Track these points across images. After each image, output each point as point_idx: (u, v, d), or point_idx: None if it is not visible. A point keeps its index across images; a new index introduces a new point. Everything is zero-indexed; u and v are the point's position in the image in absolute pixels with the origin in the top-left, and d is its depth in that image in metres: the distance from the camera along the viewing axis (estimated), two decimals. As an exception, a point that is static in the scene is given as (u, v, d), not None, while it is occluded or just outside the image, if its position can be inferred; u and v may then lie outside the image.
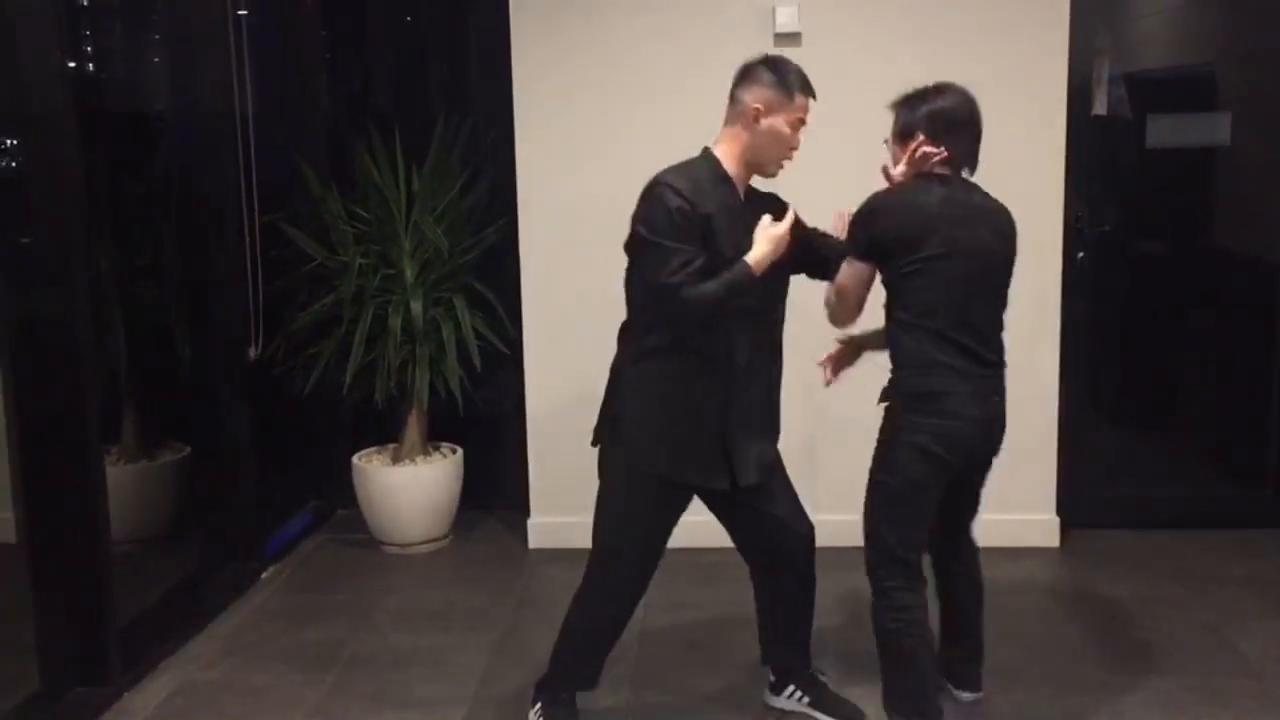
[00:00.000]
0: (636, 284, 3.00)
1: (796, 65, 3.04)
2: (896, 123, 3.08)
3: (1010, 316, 4.41)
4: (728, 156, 2.99)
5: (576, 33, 4.35)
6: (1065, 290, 4.40)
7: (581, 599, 3.14)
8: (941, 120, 3.01)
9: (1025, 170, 4.32)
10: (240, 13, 4.26)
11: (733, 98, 3.01)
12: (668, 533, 3.07)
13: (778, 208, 3.06)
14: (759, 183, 3.11)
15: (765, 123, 2.95)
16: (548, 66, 4.36)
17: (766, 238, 2.92)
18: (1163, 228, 4.81)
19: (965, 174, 3.08)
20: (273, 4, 4.73)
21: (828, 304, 3.13)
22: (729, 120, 3.01)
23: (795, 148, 3.03)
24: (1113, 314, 4.75)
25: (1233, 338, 4.80)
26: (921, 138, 3.00)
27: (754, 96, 2.96)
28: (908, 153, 3.01)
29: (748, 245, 2.89)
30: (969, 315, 2.94)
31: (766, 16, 4.30)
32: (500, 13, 4.37)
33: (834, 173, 4.36)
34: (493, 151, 4.64)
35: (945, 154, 3.00)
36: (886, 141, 3.12)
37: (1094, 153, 4.57)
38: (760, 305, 3.00)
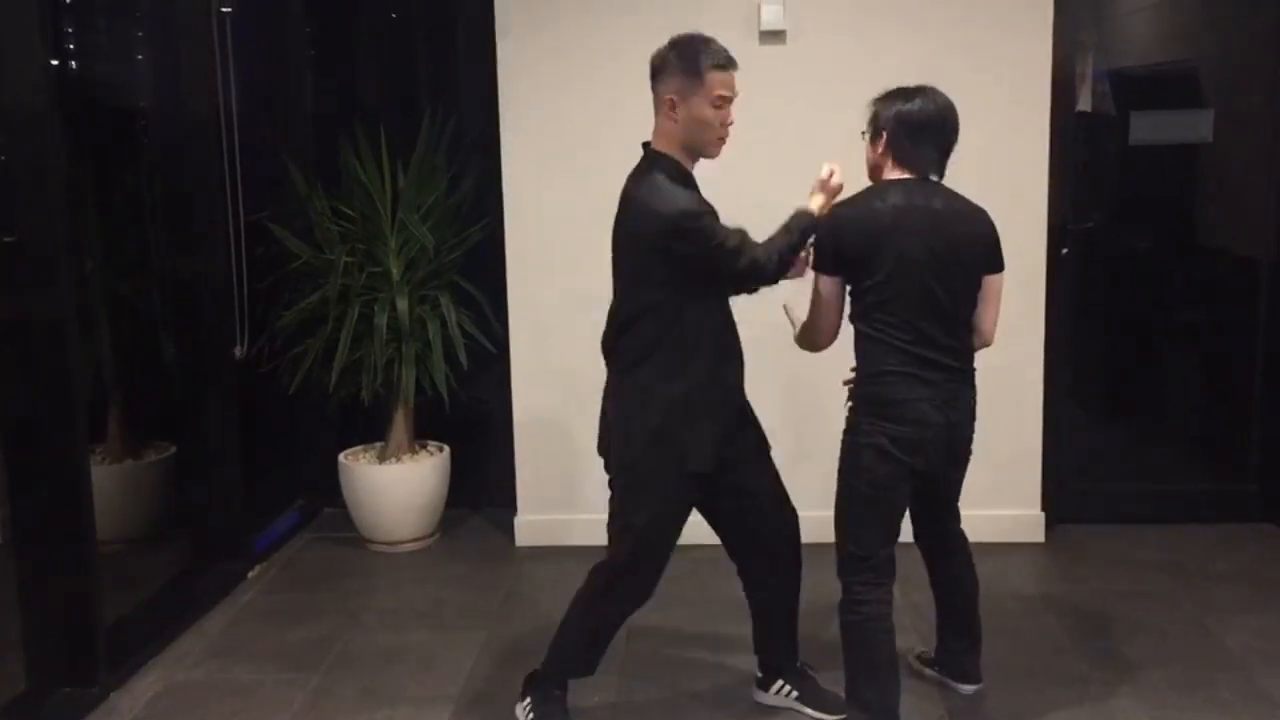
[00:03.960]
0: (628, 298, 3.01)
1: (708, 39, 2.96)
2: (872, 119, 3.10)
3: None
4: (671, 150, 2.97)
5: (561, 30, 4.35)
6: (1049, 286, 4.42)
7: (593, 599, 3.13)
8: (907, 124, 3.02)
9: (1009, 167, 4.34)
10: (224, 9, 4.24)
11: (653, 90, 2.98)
12: (682, 525, 3.11)
13: None
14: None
15: (683, 111, 2.91)
16: (533, 64, 4.36)
17: (828, 189, 3.05)
18: (1146, 224, 4.84)
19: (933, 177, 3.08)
20: (257, 1, 4.72)
21: (799, 326, 3.14)
22: (655, 113, 2.99)
23: (725, 124, 2.96)
24: (1097, 310, 4.77)
25: (1216, 333, 4.83)
26: (880, 148, 3.06)
27: (666, 87, 2.94)
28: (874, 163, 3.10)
29: None
30: (927, 326, 2.95)
31: (752, 14, 4.31)
32: (485, 10, 4.37)
33: (818, 164, 4.38)
34: (478, 149, 4.64)
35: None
36: (863, 134, 3.13)
37: (1078, 149, 4.59)
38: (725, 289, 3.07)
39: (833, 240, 2.99)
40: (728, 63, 2.95)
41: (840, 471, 3.07)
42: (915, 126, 3.01)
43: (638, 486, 3.01)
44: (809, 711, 3.31)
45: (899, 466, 2.97)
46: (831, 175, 3.10)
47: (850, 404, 3.08)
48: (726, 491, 3.13)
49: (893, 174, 3.05)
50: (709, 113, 2.91)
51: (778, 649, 3.37)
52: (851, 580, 3.05)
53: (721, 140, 2.99)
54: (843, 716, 3.17)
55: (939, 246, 2.93)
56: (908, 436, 2.95)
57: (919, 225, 2.94)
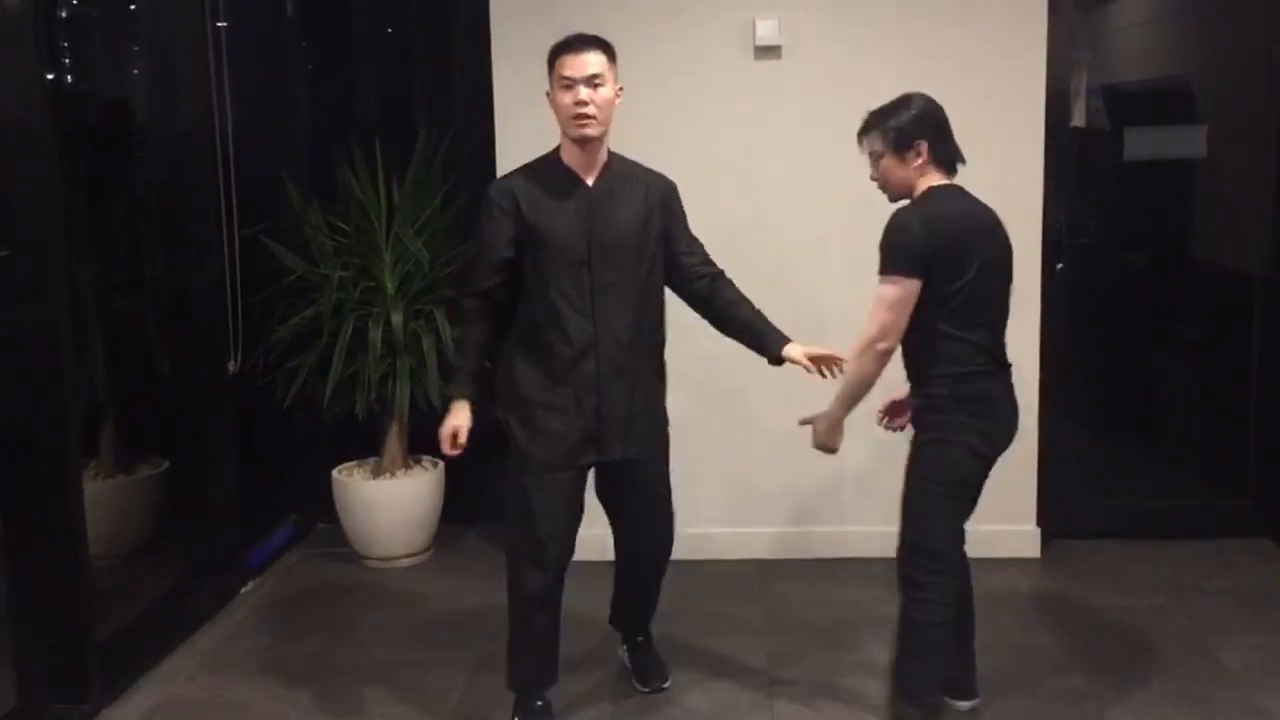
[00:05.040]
0: (658, 288, 3.25)
1: (573, 33, 3.14)
2: (884, 136, 3.09)
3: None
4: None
5: (558, 45, 4.35)
6: (1044, 302, 4.42)
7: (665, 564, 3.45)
8: (937, 124, 3.09)
9: (1004, 182, 4.32)
10: (219, 24, 4.25)
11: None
12: None
13: (640, 189, 3.20)
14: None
15: (552, 99, 3.13)
16: (529, 80, 4.33)
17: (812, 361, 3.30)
18: (1141, 239, 4.85)
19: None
20: (253, 15, 4.72)
21: (871, 337, 3.03)
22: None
23: (574, 104, 3.05)
24: (1092, 325, 4.78)
25: (1211, 348, 4.83)
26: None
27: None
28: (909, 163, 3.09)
29: (559, 221, 3.10)
30: (997, 327, 3.07)
31: (747, 30, 4.32)
32: (481, 25, 4.37)
33: (814, 182, 4.40)
34: (474, 164, 4.64)
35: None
36: (877, 155, 3.12)
37: (1073, 164, 4.60)
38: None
39: (921, 243, 2.96)
40: (569, 48, 3.10)
41: (919, 471, 3.09)
42: (942, 124, 3.09)
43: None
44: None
45: (984, 465, 3.05)
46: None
47: (918, 406, 3.08)
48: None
49: (932, 180, 3.07)
50: (561, 97, 3.08)
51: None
52: (929, 579, 3.06)
53: (577, 123, 3.07)
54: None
55: (998, 249, 3.05)
56: (995, 434, 3.04)
57: (986, 228, 3.03)
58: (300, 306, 4.54)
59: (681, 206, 3.30)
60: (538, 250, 3.11)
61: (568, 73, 3.05)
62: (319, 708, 3.49)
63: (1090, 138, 4.69)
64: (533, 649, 3.27)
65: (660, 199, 3.22)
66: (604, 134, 3.13)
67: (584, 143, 3.10)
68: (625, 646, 3.65)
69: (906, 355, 3.12)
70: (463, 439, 3.17)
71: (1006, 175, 4.34)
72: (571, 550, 3.24)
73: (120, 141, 4.67)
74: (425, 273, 4.52)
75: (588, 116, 3.04)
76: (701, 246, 3.35)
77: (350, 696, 3.56)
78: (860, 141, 3.17)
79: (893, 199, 3.16)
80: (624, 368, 3.15)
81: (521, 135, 4.35)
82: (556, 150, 3.19)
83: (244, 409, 4.45)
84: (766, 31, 4.30)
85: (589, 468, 3.24)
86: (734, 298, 3.31)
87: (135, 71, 4.69)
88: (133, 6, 4.55)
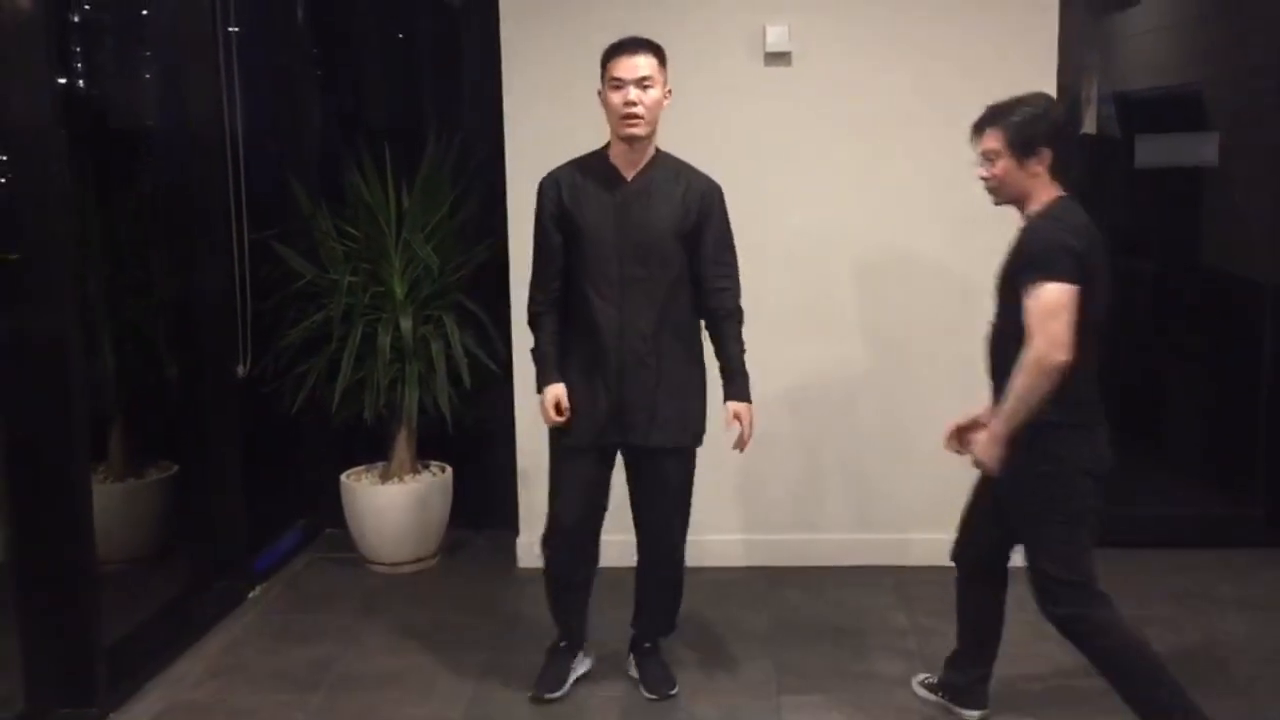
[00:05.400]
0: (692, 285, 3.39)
1: (626, 36, 3.27)
2: (1004, 136, 2.94)
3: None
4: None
5: (568, 51, 4.35)
6: (1055, 309, 4.40)
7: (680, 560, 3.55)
8: (1065, 136, 2.98)
9: (1015, 190, 4.33)
10: (230, 29, 4.25)
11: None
12: None
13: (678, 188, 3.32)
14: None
15: (603, 97, 3.27)
16: (539, 85, 4.36)
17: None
18: (1151, 247, 4.83)
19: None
20: (263, 20, 4.73)
21: (1040, 353, 2.85)
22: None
23: (623, 104, 3.20)
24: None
25: (1221, 357, 4.81)
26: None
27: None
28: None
29: (593, 212, 3.28)
30: (1100, 350, 2.96)
31: (757, 36, 4.31)
32: (491, 30, 4.37)
33: (826, 188, 4.39)
34: (483, 169, 4.64)
35: None
36: (991, 154, 2.98)
37: (1083, 172, 4.58)
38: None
39: (1077, 251, 2.85)
40: (620, 50, 3.24)
41: (1047, 505, 2.97)
42: (1066, 132, 2.97)
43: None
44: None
45: (1099, 489, 2.99)
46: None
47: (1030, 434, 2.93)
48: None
49: (1051, 190, 2.96)
50: (610, 97, 3.23)
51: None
52: (1087, 611, 2.98)
53: (624, 123, 3.22)
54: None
55: (1108, 272, 2.95)
56: (1105, 460, 2.99)
57: (1103, 248, 2.93)
58: (309, 311, 4.54)
59: (723, 211, 3.38)
60: (574, 239, 3.31)
61: (619, 74, 3.20)
62: (326, 713, 3.49)
63: (1100, 145, 4.68)
64: (552, 599, 3.56)
65: (699, 198, 3.33)
66: (651, 133, 3.27)
67: (630, 141, 3.25)
68: (632, 654, 3.65)
69: (998, 365, 3.00)
70: (565, 403, 3.34)
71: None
72: (592, 529, 3.46)
73: (130, 146, 4.68)
74: (434, 278, 4.52)
75: (636, 117, 3.19)
76: (730, 269, 3.39)
77: (357, 702, 3.55)
78: (975, 136, 3.01)
79: (999, 203, 3.03)
80: (648, 358, 3.29)
81: (531, 139, 4.36)
82: (607, 145, 3.34)
83: (252, 413, 4.45)
84: (776, 38, 4.29)
85: (614, 451, 3.40)
86: (730, 335, 3.41)
87: (146, 76, 4.70)
88: (144, 11, 4.55)
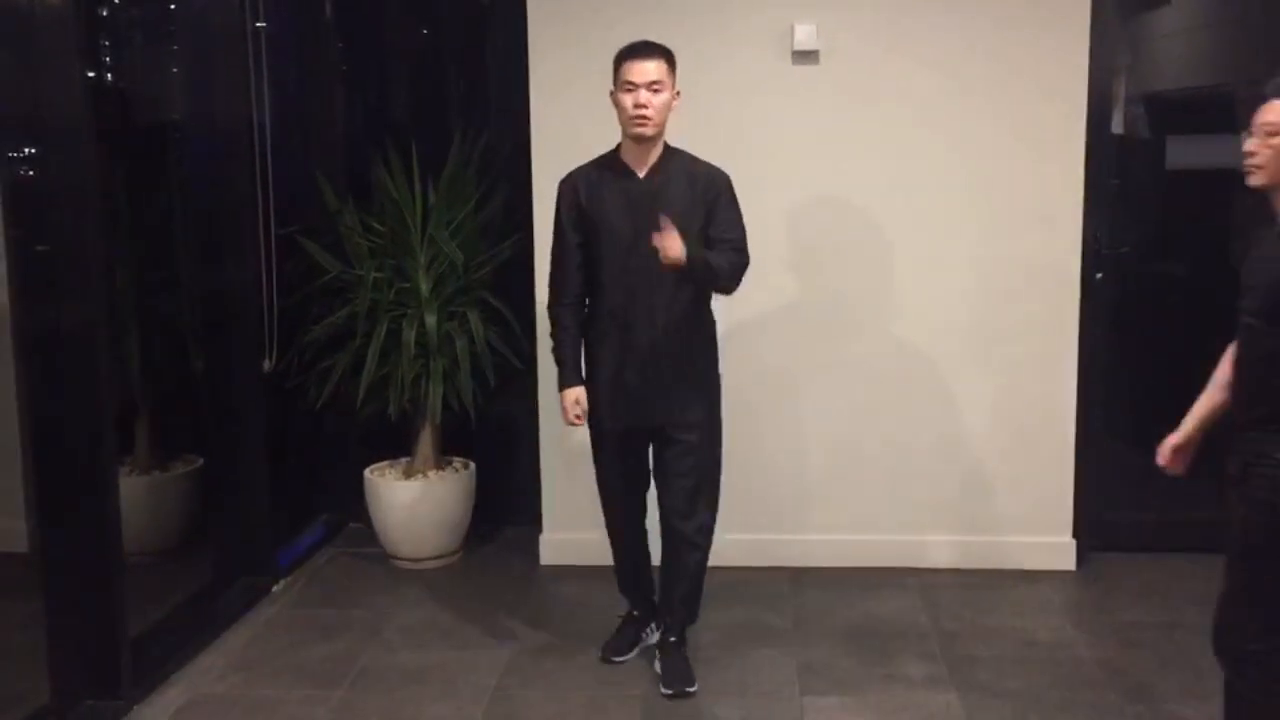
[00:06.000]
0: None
1: (635, 40, 3.42)
2: None
3: (1028, 337, 4.43)
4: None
5: (594, 48, 4.33)
6: (1083, 311, 4.37)
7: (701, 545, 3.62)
8: None
9: (1044, 190, 4.30)
10: (259, 24, 4.27)
11: None
12: None
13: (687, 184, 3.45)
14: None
15: (614, 98, 3.43)
16: (565, 81, 4.35)
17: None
18: (1182, 249, 4.78)
19: None
20: (291, 16, 4.74)
21: None
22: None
23: (634, 107, 3.35)
24: (1131, 335, 4.71)
25: (1252, 361, 4.76)
26: None
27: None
28: None
29: (609, 208, 3.44)
30: None
31: (785, 35, 4.29)
32: (518, 27, 4.37)
33: (851, 185, 4.37)
34: (509, 166, 4.64)
35: None
36: (1272, 129, 2.55)
37: (1113, 173, 4.54)
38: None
39: None
40: (632, 54, 3.38)
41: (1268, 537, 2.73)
42: None
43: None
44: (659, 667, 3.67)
45: None
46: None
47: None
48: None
49: None
50: (621, 98, 3.39)
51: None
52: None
53: (633, 123, 3.37)
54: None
55: None
56: None
57: None
58: (335, 307, 4.55)
59: (730, 197, 3.50)
60: (591, 235, 3.48)
61: (630, 77, 3.36)
62: (348, 707, 3.49)
63: (1130, 145, 4.63)
64: (618, 563, 3.80)
65: (705, 189, 3.47)
66: (660, 132, 3.43)
67: (639, 140, 3.42)
68: (658, 649, 3.69)
69: (1265, 390, 2.73)
70: (584, 405, 3.53)
71: (1046, 182, 4.30)
72: (639, 500, 3.68)
73: (159, 141, 4.70)
74: (459, 274, 4.52)
75: (645, 118, 3.36)
76: (737, 242, 3.48)
77: (379, 697, 3.56)
78: (1259, 106, 2.59)
79: (1259, 186, 2.66)
80: (660, 345, 3.46)
81: (556, 135, 4.36)
82: (618, 145, 3.51)
83: (277, 408, 4.47)
84: (804, 37, 4.27)
85: (638, 433, 3.56)
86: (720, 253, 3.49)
87: (174, 71, 4.72)
88: (173, 6, 4.57)
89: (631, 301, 3.46)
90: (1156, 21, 4.74)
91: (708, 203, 3.45)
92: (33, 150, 3.31)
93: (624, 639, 3.79)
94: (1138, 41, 4.66)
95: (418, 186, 4.53)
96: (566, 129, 4.35)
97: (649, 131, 3.38)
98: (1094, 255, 4.42)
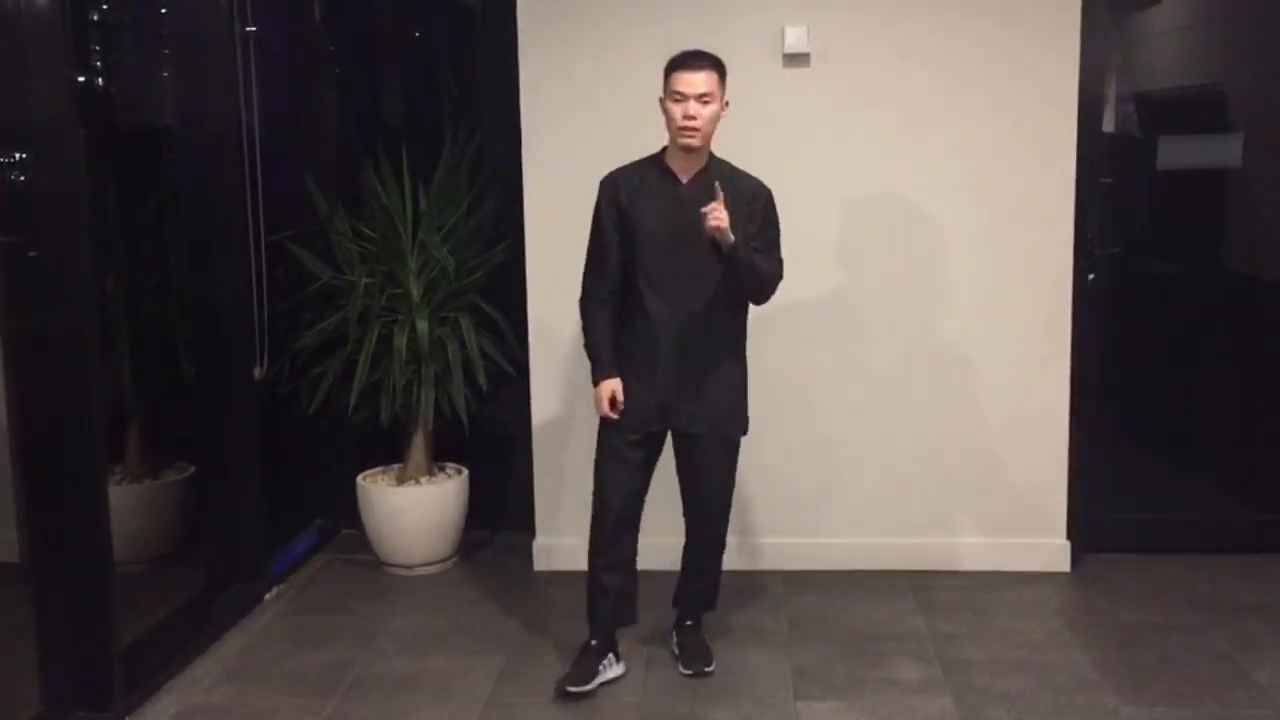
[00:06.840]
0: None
1: (689, 49, 3.44)
2: None
3: (1020, 339, 4.43)
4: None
5: (585, 52, 4.34)
6: (1076, 312, 4.37)
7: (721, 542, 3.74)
8: None
9: (1036, 191, 4.30)
10: (248, 29, 4.25)
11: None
12: None
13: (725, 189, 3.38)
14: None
15: (663, 105, 3.45)
16: (555, 86, 4.34)
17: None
18: (1174, 249, 4.78)
19: None
20: (281, 21, 4.73)
21: None
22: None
23: (682, 117, 3.37)
24: (1124, 336, 4.72)
25: (1245, 360, 4.77)
26: None
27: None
28: None
29: (650, 212, 3.46)
30: None
31: (776, 38, 4.29)
32: (508, 31, 4.36)
33: (843, 187, 4.37)
34: (500, 171, 4.63)
35: None
36: None
37: (1105, 173, 4.54)
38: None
39: None
40: (682, 65, 3.40)
41: None
42: None
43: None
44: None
45: None
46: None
47: None
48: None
49: None
50: (670, 107, 3.42)
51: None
52: None
53: (680, 133, 3.40)
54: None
55: None
56: None
57: None
58: (326, 313, 4.54)
59: (772, 210, 3.55)
60: (630, 237, 3.48)
61: (680, 88, 3.38)
62: (342, 716, 3.48)
63: (1121, 145, 4.63)
64: (591, 592, 3.66)
65: (748, 202, 3.48)
66: (706, 143, 3.46)
67: (686, 149, 3.44)
68: (675, 631, 3.80)
69: None
70: (620, 397, 3.50)
71: (1037, 183, 4.30)
72: (634, 516, 3.61)
73: (148, 145, 4.68)
74: (451, 279, 4.51)
75: (694, 129, 3.38)
76: (777, 253, 3.55)
77: (373, 705, 3.54)
78: None
79: None
80: (692, 349, 3.49)
81: (548, 141, 4.35)
82: (664, 149, 3.52)
83: (269, 415, 4.45)
84: (795, 39, 4.26)
85: (661, 439, 3.59)
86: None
87: (164, 75, 4.70)
88: (162, 11, 4.55)
89: (671, 307, 3.47)
90: (1147, 21, 4.74)
91: (750, 214, 3.47)
92: (21, 155, 3.29)
93: (583, 669, 3.59)
94: (1129, 41, 4.66)
95: (408, 191, 4.52)
96: (559, 133, 4.35)
97: (696, 143, 3.40)
98: (1086, 256, 4.42)
